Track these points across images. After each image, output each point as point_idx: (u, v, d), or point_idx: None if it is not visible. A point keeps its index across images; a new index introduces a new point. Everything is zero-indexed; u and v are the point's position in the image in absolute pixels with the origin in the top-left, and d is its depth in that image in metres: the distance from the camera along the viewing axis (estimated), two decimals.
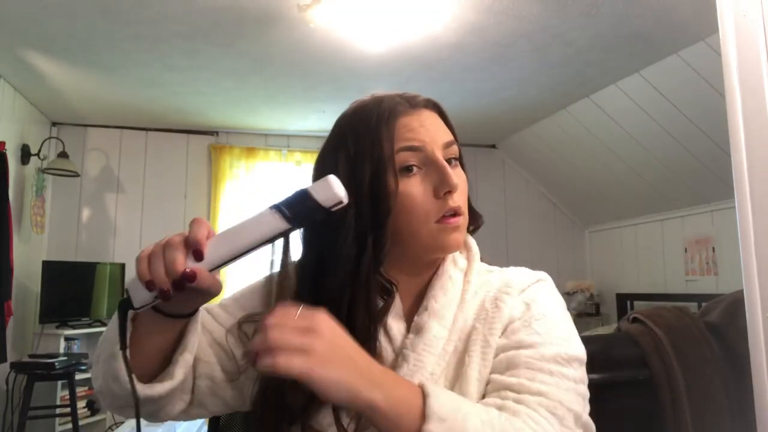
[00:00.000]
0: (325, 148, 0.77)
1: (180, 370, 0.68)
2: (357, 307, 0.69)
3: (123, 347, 0.61)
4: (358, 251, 0.69)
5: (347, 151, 0.72)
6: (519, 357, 0.67)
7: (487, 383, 0.68)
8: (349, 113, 0.76)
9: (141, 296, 0.59)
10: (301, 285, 0.72)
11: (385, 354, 0.71)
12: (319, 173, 0.74)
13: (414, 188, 0.70)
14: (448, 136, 0.74)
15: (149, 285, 0.57)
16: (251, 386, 0.74)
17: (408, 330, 0.73)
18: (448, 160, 0.73)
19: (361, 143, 0.71)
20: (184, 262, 0.57)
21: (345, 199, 0.57)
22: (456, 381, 0.70)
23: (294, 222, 0.57)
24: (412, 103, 0.74)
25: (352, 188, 0.69)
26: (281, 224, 0.58)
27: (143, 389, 0.66)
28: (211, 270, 0.59)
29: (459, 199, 0.73)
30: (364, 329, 0.69)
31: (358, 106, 0.76)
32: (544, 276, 0.79)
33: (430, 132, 0.72)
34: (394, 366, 0.70)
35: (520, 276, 0.78)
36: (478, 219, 0.82)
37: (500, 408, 0.62)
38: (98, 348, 0.71)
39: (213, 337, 0.76)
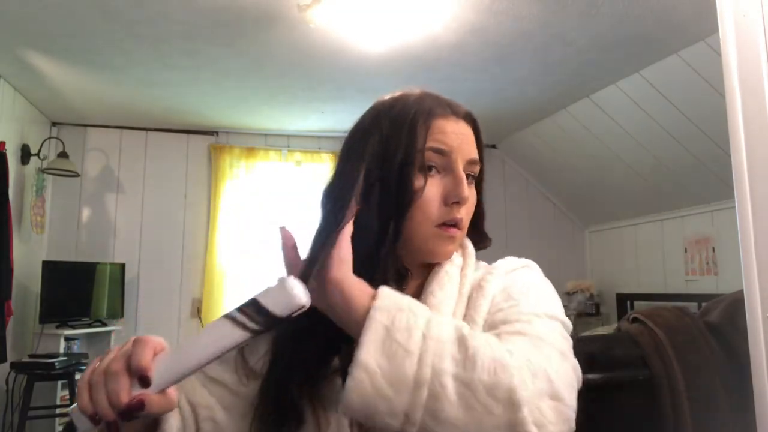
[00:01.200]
0: (357, 128, 0.77)
1: None
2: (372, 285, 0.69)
3: None
4: (380, 231, 0.69)
5: (381, 132, 0.72)
6: (496, 317, 0.68)
7: None
8: (390, 99, 0.77)
9: (86, 426, 0.53)
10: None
11: None
12: (349, 151, 0.75)
13: (427, 189, 0.71)
14: (474, 154, 0.76)
15: (93, 419, 0.52)
16: (253, 398, 0.73)
17: None
18: (466, 176, 0.74)
19: (398, 128, 0.72)
20: (129, 392, 0.52)
21: (307, 303, 0.54)
22: None
23: (255, 331, 0.53)
24: (453, 110, 0.75)
25: (381, 168, 0.70)
26: (240, 335, 0.53)
27: None
28: (162, 391, 0.53)
29: (463, 213, 0.74)
30: None
31: (401, 96, 0.77)
32: (531, 263, 0.80)
33: (461, 142, 0.74)
34: None
35: (506, 262, 0.80)
36: (486, 241, 0.84)
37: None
38: None
39: (206, 376, 0.74)
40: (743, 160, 1.09)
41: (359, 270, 0.67)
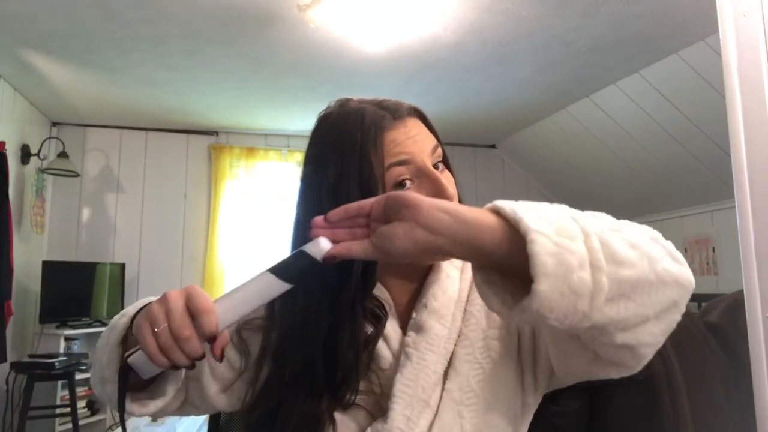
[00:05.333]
0: (306, 166, 0.74)
1: (171, 387, 0.69)
2: (342, 335, 0.68)
3: (121, 409, 0.64)
4: (339, 281, 0.68)
5: (329, 173, 0.69)
6: None
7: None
8: (329, 129, 0.73)
9: (151, 370, 0.60)
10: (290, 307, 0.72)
11: (383, 353, 0.71)
12: (302, 197, 0.74)
13: None
14: (432, 141, 0.73)
15: (172, 367, 0.58)
16: (246, 389, 0.74)
17: (403, 328, 0.73)
18: (435, 165, 0.72)
19: (347, 165, 0.68)
20: (201, 348, 0.57)
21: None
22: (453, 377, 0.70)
23: (293, 281, 0.60)
24: (396, 115, 0.71)
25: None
26: (281, 286, 0.59)
27: (138, 409, 0.68)
28: None
29: None
30: (350, 357, 0.68)
31: (338, 121, 0.73)
32: None
33: (417, 142, 0.71)
34: (396, 366, 0.70)
35: None
36: None
37: None
38: (97, 353, 0.71)
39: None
40: (743, 160, 1.09)
41: (322, 322, 0.68)
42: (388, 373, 0.70)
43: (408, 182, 0.70)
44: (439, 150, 0.74)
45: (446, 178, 0.73)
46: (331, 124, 0.73)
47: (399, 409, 0.66)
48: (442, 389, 0.69)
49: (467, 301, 0.74)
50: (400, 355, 0.70)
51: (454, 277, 0.75)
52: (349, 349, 0.68)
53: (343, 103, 0.75)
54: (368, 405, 0.70)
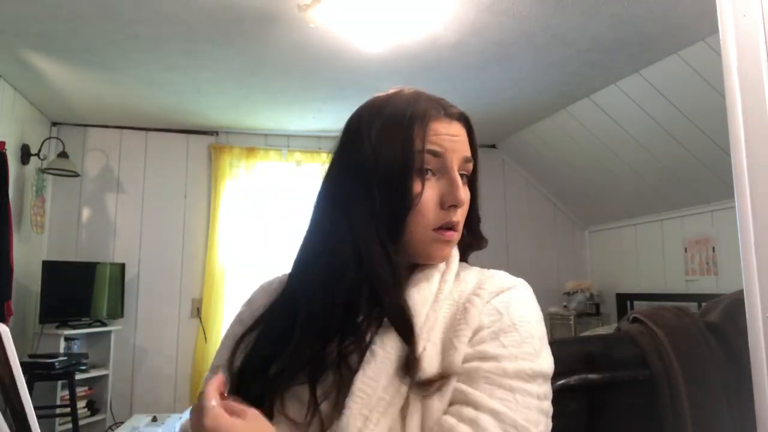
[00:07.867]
0: (346, 128, 0.77)
1: None
2: (359, 299, 0.69)
3: None
4: (365, 244, 0.69)
5: (372, 133, 0.72)
6: (479, 371, 0.65)
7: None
8: (383, 101, 0.76)
9: None
10: (295, 280, 0.74)
11: (354, 348, 0.70)
12: (341, 151, 0.76)
13: (424, 193, 0.72)
14: (468, 152, 0.76)
15: None
16: None
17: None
18: (460, 176, 0.75)
19: (392, 134, 0.71)
20: None
21: None
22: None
23: None
24: (447, 112, 0.75)
25: (373, 177, 0.70)
26: None
27: None
28: None
29: (459, 215, 0.74)
30: (358, 326, 0.69)
31: (395, 95, 0.76)
32: (522, 282, 0.75)
33: (454, 142, 0.74)
34: (361, 361, 0.68)
35: (495, 279, 0.75)
36: (482, 242, 0.82)
37: (451, 428, 0.61)
38: None
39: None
40: (743, 160, 1.09)
41: (354, 282, 0.69)
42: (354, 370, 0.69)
43: (430, 173, 0.73)
44: (471, 165, 0.77)
45: (464, 190, 0.75)
46: (386, 98, 0.77)
47: (356, 408, 0.64)
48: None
49: (450, 324, 0.71)
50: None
51: (433, 280, 0.74)
52: (366, 310, 0.70)
53: (405, 88, 0.79)
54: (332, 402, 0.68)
